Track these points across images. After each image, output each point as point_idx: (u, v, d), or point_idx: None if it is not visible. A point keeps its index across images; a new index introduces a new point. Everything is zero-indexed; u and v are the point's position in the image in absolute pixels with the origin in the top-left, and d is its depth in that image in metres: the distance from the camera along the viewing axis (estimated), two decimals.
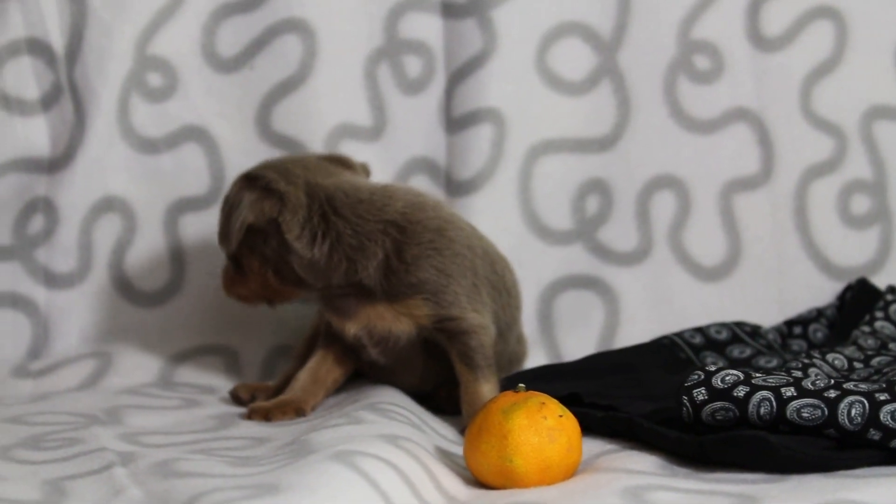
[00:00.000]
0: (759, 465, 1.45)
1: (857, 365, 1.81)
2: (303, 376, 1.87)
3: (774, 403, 1.50)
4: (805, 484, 1.38)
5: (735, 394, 1.52)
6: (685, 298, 2.14)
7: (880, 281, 2.12)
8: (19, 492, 1.41)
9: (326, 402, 1.84)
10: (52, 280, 2.11)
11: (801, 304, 2.12)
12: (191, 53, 2.14)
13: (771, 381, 1.52)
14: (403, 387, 1.87)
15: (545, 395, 1.50)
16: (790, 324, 2.07)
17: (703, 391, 1.54)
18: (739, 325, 2.01)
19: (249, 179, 1.82)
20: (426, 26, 2.18)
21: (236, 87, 2.15)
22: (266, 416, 1.81)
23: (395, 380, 1.87)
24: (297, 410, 1.82)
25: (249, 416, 1.83)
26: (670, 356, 1.94)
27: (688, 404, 1.54)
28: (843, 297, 2.10)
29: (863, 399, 1.47)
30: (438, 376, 1.86)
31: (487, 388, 1.78)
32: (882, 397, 1.47)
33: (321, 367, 1.87)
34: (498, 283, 1.89)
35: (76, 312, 2.11)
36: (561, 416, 1.48)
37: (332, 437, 1.51)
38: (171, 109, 2.14)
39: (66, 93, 2.11)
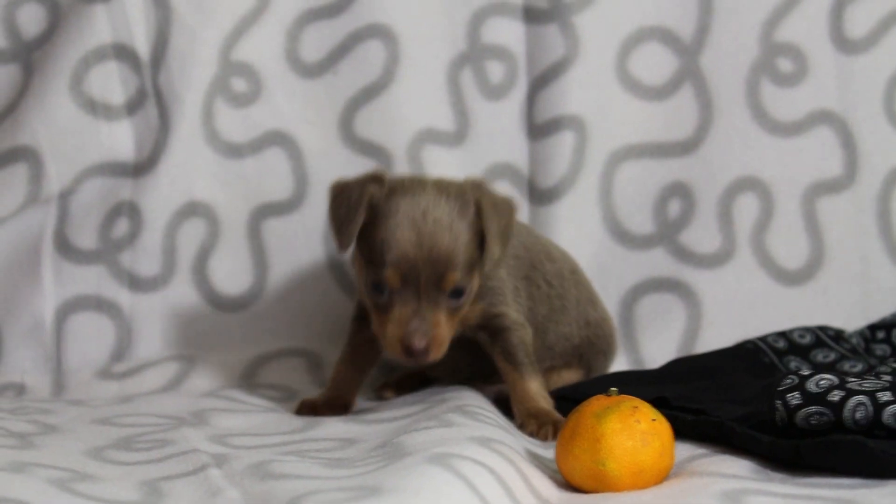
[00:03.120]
0: (857, 470, 1.44)
1: None
2: (340, 369, 1.91)
3: (870, 408, 1.49)
4: None
5: (830, 398, 1.51)
6: (768, 302, 2.14)
7: None
8: (118, 492, 1.42)
9: (411, 404, 1.85)
10: (136, 284, 2.13)
11: (885, 307, 2.11)
12: (275, 59, 2.16)
13: (867, 385, 1.51)
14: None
15: (637, 398, 1.50)
16: (873, 328, 2.06)
17: (798, 395, 1.53)
18: (823, 329, 2.00)
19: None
20: (509, 31, 2.19)
21: (320, 92, 2.17)
22: (315, 411, 1.85)
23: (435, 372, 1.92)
24: (345, 406, 1.88)
25: (298, 411, 1.86)
26: (754, 360, 1.93)
27: (782, 408, 1.54)
28: None
29: None
30: (473, 371, 1.88)
31: (535, 385, 1.80)
32: None
33: (357, 360, 1.91)
34: (535, 276, 1.89)
35: (160, 316, 2.13)
36: (654, 419, 1.48)
37: (425, 440, 1.51)
38: (255, 115, 2.15)
39: (150, 98, 2.13)
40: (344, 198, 1.76)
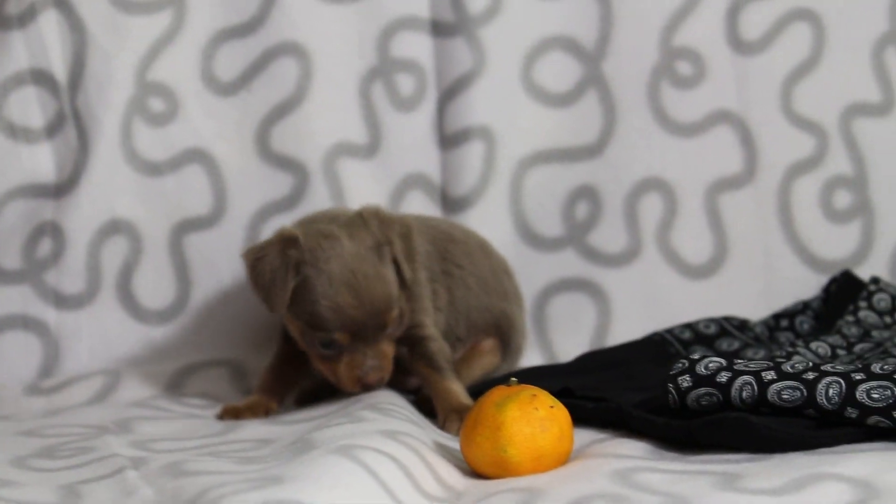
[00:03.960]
0: (743, 446, 1.51)
1: (841, 352, 1.87)
2: (267, 377, 2.00)
3: (756, 387, 1.56)
4: (787, 461, 1.44)
5: (718, 379, 1.58)
6: (674, 296, 2.20)
7: (864, 272, 2.17)
8: (37, 495, 1.48)
9: (328, 405, 1.90)
10: (61, 301, 2.17)
11: (788, 297, 2.18)
12: (190, 78, 2.21)
13: (752, 366, 1.58)
14: None
15: (536, 387, 1.56)
16: (777, 317, 2.12)
17: (688, 378, 1.60)
18: (728, 319, 2.07)
19: None
20: (417, 45, 2.24)
21: (235, 109, 2.22)
22: (237, 415, 1.93)
23: None
24: (267, 410, 1.95)
25: (221, 417, 1.93)
26: (661, 351, 2.00)
27: (674, 391, 1.61)
28: (828, 290, 2.16)
29: (840, 379, 1.53)
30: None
31: (456, 385, 1.88)
32: (858, 377, 1.52)
33: (283, 367, 2.00)
34: (447, 266, 2.02)
35: (86, 332, 2.17)
36: (552, 406, 1.54)
37: (333, 434, 1.57)
38: (173, 133, 2.20)
39: (69, 120, 2.18)
40: (265, 265, 1.86)
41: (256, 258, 1.87)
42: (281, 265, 1.84)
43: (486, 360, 2.03)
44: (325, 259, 1.84)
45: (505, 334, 2.05)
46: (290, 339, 1.97)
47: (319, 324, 1.85)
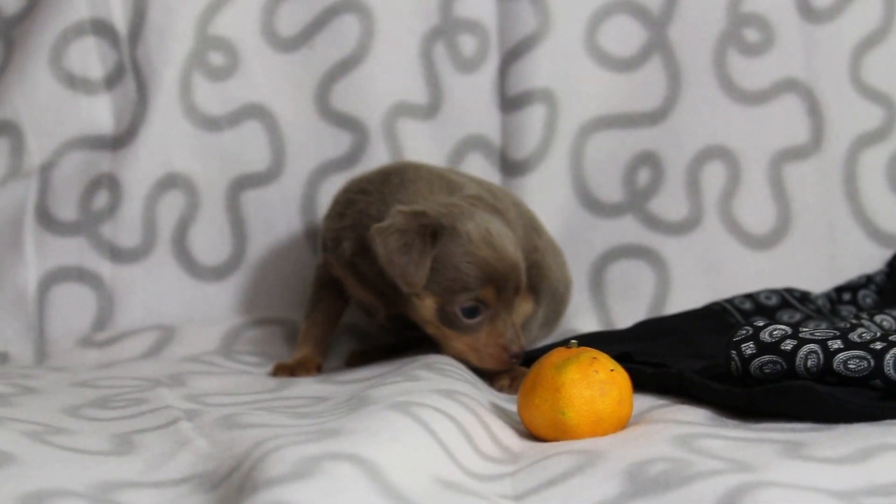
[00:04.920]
0: (807, 415, 1.48)
1: None
2: (312, 331, 2.00)
3: (821, 356, 1.53)
4: (851, 432, 1.41)
5: (783, 347, 1.55)
6: (735, 266, 2.17)
7: None
8: (90, 444, 1.47)
9: (382, 366, 1.89)
10: (116, 255, 2.16)
11: (851, 270, 2.15)
12: (251, 33, 2.20)
13: (818, 334, 1.55)
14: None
15: (596, 350, 1.54)
16: (840, 290, 2.09)
17: (752, 345, 1.57)
18: (789, 290, 2.04)
19: None
20: (481, 5, 2.23)
21: (296, 66, 2.20)
22: (292, 372, 1.92)
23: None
24: (318, 367, 1.95)
25: (275, 373, 1.93)
26: (721, 321, 1.97)
27: (736, 358, 1.58)
28: (892, 264, 2.13)
29: None
30: None
31: None
32: None
33: (324, 319, 2.01)
34: None
35: (140, 286, 2.17)
36: (612, 370, 1.51)
37: (390, 391, 1.56)
38: (232, 88, 2.19)
39: (129, 72, 2.17)
40: (401, 240, 1.79)
41: (389, 234, 1.80)
42: (418, 236, 1.78)
43: (521, 308, 1.99)
44: (460, 221, 1.80)
45: (536, 286, 2.01)
46: (325, 286, 1.98)
47: (464, 284, 1.79)
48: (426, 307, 1.83)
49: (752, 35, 2.21)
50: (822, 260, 2.18)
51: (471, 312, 1.80)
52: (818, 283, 2.13)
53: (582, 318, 2.13)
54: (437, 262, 1.79)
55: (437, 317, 1.82)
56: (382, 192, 1.89)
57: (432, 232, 1.79)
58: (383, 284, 1.85)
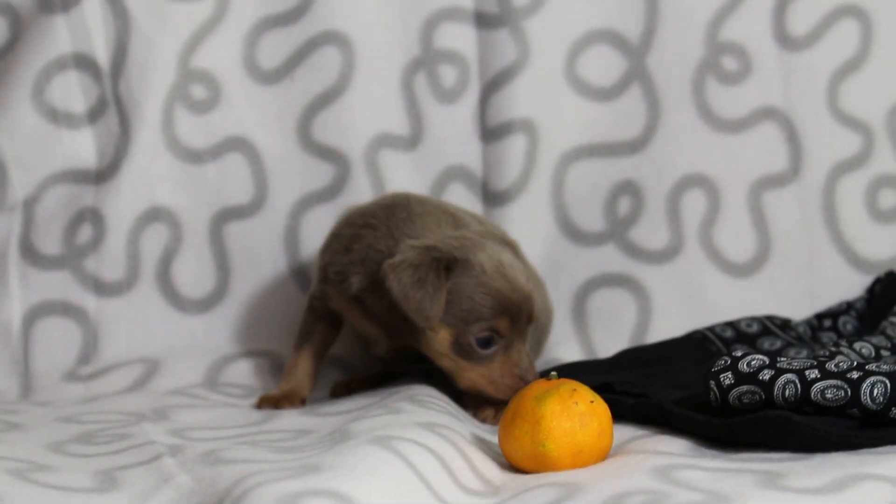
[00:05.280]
0: (786, 445, 1.49)
1: (885, 353, 1.85)
2: (299, 363, 2.00)
3: (799, 385, 1.54)
4: (829, 461, 1.42)
5: (761, 377, 1.56)
6: (716, 294, 2.18)
7: None
8: (73, 481, 1.47)
9: (367, 397, 1.90)
10: (101, 288, 2.17)
11: (831, 297, 2.16)
12: (233, 66, 2.21)
13: (795, 364, 1.56)
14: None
15: (576, 382, 1.55)
16: (820, 317, 2.11)
17: (730, 375, 1.58)
18: (770, 318, 2.05)
19: None
20: (461, 36, 2.24)
21: (278, 98, 2.21)
22: (276, 404, 1.93)
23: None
24: (303, 400, 1.96)
25: (259, 406, 1.94)
26: (702, 349, 1.98)
27: (715, 389, 1.59)
28: (872, 290, 2.14)
29: (885, 379, 1.51)
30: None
31: None
32: None
33: (312, 351, 2.01)
34: None
35: (125, 319, 2.17)
36: (592, 401, 1.52)
37: (371, 425, 1.56)
38: (215, 120, 2.20)
39: (111, 106, 2.18)
40: (415, 274, 1.80)
41: (403, 270, 1.81)
42: (432, 270, 1.80)
43: None
44: (472, 253, 1.81)
45: None
46: (315, 317, 1.99)
47: (478, 315, 1.80)
48: (440, 340, 1.84)
49: (730, 63, 2.22)
50: (802, 287, 2.19)
51: (485, 343, 1.82)
52: (799, 309, 2.14)
53: (564, 347, 2.14)
54: (452, 294, 1.81)
55: (451, 348, 1.83)
56: (389, 227, 1.90)
57: (446, 265, 1.80)
58: (392, 318, 1.86)
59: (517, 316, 1.83)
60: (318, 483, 1.30)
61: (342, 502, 1.26)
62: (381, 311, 1.88)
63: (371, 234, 1.90)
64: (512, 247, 1.91)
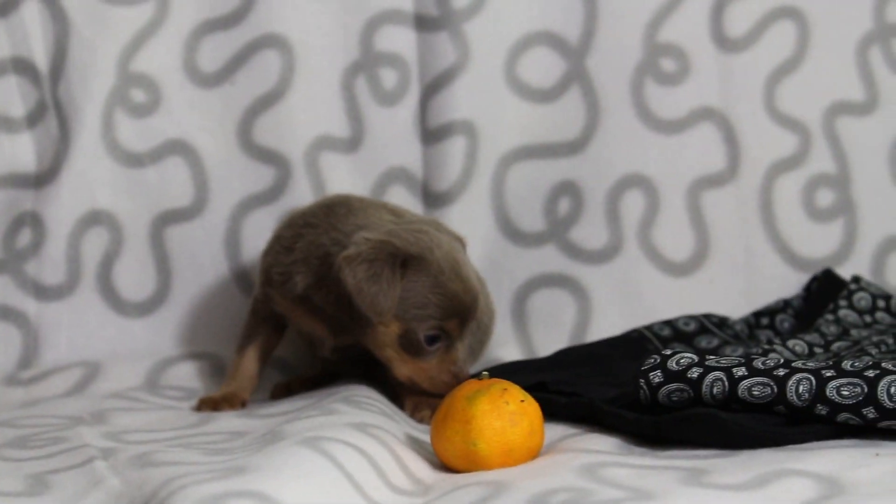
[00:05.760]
0: (713, 442, 1.50)
1: (818, 350, 1.86)
2: (242, 365, 2.00)
3: (727, 383, 1.55)
4: (754, 457, 1.44)
5: (689, 375, 1.58)
6: (655, 293, 2.20)
7: (845, 272, 2.18)
8: (4, 485, 1.48)
9: (305, 398, 1.90)
10: (41, 292, 2.17)
11: (769, 295, 2.18)
12: (173, 69, 2.21)
13: (723, 362, 1.58)
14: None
15: (507, 381, 1.56)
16: (758, 315, 2.12)
17: (659, 374, 1.60)
18: (707, 316, 2.07)
19: None
20: (401, 39, 2.24)
21: (218, 101, 2.21)
22: (215, 406, 1.93)
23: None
24: (243, 403, 1.96)
25: (199, 408, 1.94)
26: (639, 348, 2.00)
27: (645, 387, 1.60)
28: (809, 288, 2.16)
29: (810, 376, 1.52)
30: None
31: None
32: (829, 374, 1.52)
33: (255, 354, 2.01)
34: None
35: (65, 323, 2.17)
36: (523, 400, 1.53)
37: (303, 427, 1.57)
38: (155, 124, 2.20)
39: (50, 110, 2.18)
40: (371, 269, 1.80)
41: (358, 264, 1.80)
42: (387, 265, 1.79)
43: None
44: (429, 251, 1.82)
45: None
46: (259, 320, 1.99)
47: (431, 314, 1.81)
48: (389, 333, 1.84)
49: (668, 65, 2.24)
50: (740, 286, 2.20)
51: (432, 340, 1.83)
52: (737, 308, 2.16)
53: (504, 347, 2.15)
54: (406, 291, 1.81)
55: (397, 342, 1.84)
56: (331, 222, 1.90)
57: (402, 261, 1.81)
58: (340, 312, 1.87)
59: (466, 317, 1.84)
60: (242, 484, 1.30)
61: (266, 503, 1.26)
62: (328, 306, 1.88)
63: (312, 231, 1.91)
64: (462, 243, 1.92)
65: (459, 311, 1.83)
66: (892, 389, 1.48)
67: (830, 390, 1.51)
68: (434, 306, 1.82)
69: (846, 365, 1.52)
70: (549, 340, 2.17)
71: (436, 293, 1.81)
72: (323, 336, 1.94)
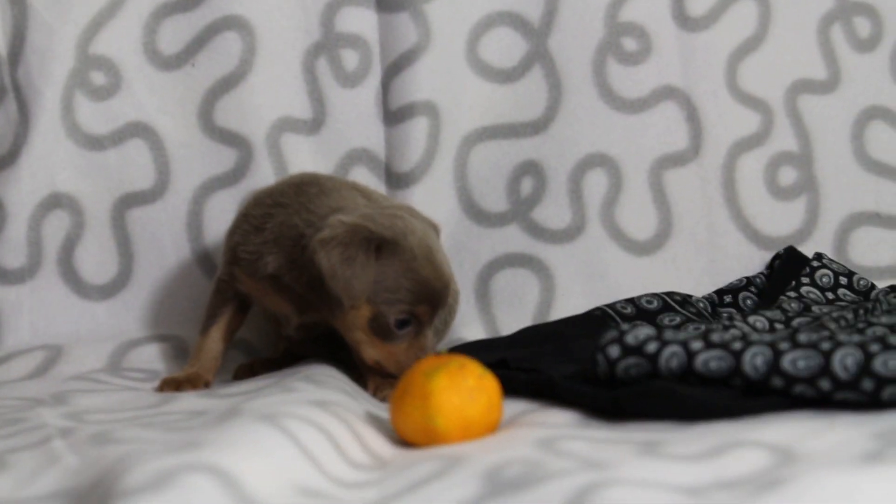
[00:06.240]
0: (669, 415, 1.50)
1: (778, 326, 1.87)
2: (206, 346, 1.99)
3: (684, 356, 1.55)
4: (710, 429, 1.43)
5: (647, 349, 1.57)
6: (618, 272, 2.20)
7: (808, 249, 2.18)
8: None
9: (266, 378, 1.90)
10: (2, 276, 2.16)
11: (732, 273, 2.19)
12: (133, 52, 2.20)
13: (681, 336, 1.58)
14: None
15: (466, 357, 1.55)
16: (721, 293, 2.13)
17: (617, 348, 1.59)
18: (670, 294, 2.07)
19: None
20: (362, 20, 2.24)
21: (179, 83, 2.21)
22: (177, 387, 1.92)
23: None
24: (206, 383, 1.95)
25: (161, 389, 1.93)
26: (602, 326, 1.99)
27: (603, 362, 1.60)
28: (771, 266, 2.16)
29: (766, 349, 1.52)
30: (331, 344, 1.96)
31: None
32: (784, 346, 1.52)
33: (219, 334, 2.00)
34: None
35: (27, 306, 2.16)
36: (481, 376, 1.53)
37: (262, 403, 1.56)
38: (115, 107, 2.20)
39: (9, 93, 2.17)
40: (345, 253, 1.79)
41: (332, 247, 1.80)
42: (361, 249, 1.79)
43: None
44: (403, 236, 1.82)
45: None
46: (222, 301, 1.98)
47: (403, 299, 1.82)
48: (360, 316, 1.84)
49: (629, 44, 2.24)
50: (703, 264, 2.21)
51: (402, 324, 1.83)
52: (700, 286, 2.17)
53: (468, 327, 2.15)
54: (380, 275, 1.81)
55: (367, 325, 1.84)
56: (302, 202, 1.90)
57: (376, 245, 1.80)
58: (310, 293, 1.86)
59: (437, 304, 1.84)
60: (196, 458, 1.29)
61: (220, 477, 1.26)
62: (300, 287, 1.87)
63: (283, 212, 1.90)
64: (436, 230, 1.91)
65: (430, 297, 1.83)
66: (848, 361, 1.48)
67: (786, 363, 1.51)
68: (406, 291, 1.81)
69: (802, 338, 1.53)
70: (513, 320, 2.17)
71: (408, 278, 1.81)
72: (288, 314, 1.94)
